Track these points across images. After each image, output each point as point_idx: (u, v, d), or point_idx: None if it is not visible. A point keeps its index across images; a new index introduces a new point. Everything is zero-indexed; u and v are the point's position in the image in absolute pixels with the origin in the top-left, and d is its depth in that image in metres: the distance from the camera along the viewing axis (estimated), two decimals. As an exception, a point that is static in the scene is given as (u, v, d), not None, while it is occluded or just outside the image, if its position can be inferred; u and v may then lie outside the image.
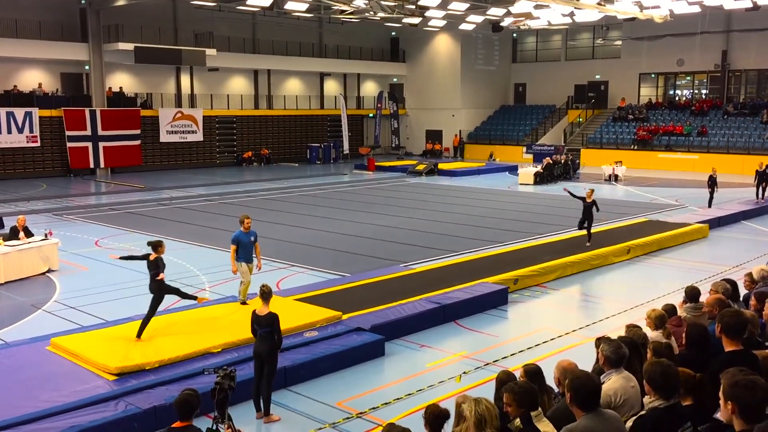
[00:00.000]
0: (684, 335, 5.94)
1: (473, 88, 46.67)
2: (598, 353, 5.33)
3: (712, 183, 23.18)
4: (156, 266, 9.83)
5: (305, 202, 25.80)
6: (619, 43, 44.11)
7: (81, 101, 33.95)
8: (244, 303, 11.28)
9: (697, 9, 33.19)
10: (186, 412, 5.34)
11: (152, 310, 9.84)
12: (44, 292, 13.53)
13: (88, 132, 33.46)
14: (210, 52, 36.04)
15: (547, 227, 19.94)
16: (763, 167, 24.50)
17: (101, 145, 33.86)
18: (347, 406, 8.42)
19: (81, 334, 10.06)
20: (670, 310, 7.35)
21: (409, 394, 8.65)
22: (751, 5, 32.05)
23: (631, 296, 13.18)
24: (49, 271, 14.87)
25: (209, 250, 17.25)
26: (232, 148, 40.67)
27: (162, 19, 36.18)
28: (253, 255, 11.49)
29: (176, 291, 10.25)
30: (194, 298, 10.64)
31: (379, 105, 45.38)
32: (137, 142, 35.41)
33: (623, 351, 5.13)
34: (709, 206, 22.83)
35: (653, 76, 43.96)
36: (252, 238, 11.39)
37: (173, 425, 5.40)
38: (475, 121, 47.51)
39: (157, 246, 9.95)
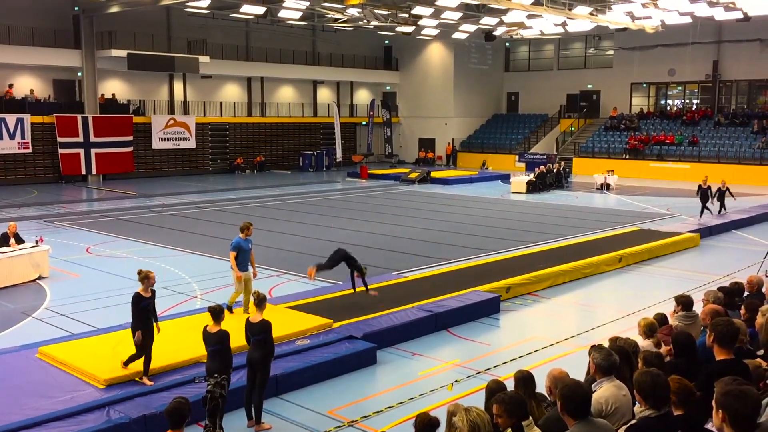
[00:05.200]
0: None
1: (466, 97, 46.82)
2: (589, 361, 5.33)
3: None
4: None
5: (298, 209, 25.77)
6: (611, 52, 44.38)
7: (73, 108, 33.88)
8: (229, 309, 10.99)
9: (688, 20, 33.44)
10: (177, 421, 5.31)
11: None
12: (34, 299, 13.43)
13: (80, 138, 33.38)
14: (203, 59, 36.07)
15: (539, 236, 19.97)
16: None
17: (93, 151, 33.78)
18: (339, 414, 8.39)
19: (71, 342, 9.99)
20: (662, 318, 7.37)
21: (401, 403, 8.63)
22: (741, 16, 32.32)
23: (622, 305, 13.21)
24: (39, 278, 14.77)
25: (201, 257, 17.20)
26: (225, 156, 40.63)
27: (155, 26, 36.18)
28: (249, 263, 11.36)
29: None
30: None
31: (371, 113, 45.47)
32: (129, 149, 35.34)
33: (614, 359, 5.14)
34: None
35: (645, 85, 44.21)
36: (250, 246, 11.31)
37: (164, 434, 5.37)
38: (467, 130, 47.64)
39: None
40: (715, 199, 23.08)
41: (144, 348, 8.53)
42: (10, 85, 32.68)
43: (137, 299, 8.61)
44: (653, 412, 4.29)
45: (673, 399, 4.45)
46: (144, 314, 8.59)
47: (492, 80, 48.79)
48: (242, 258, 11.14)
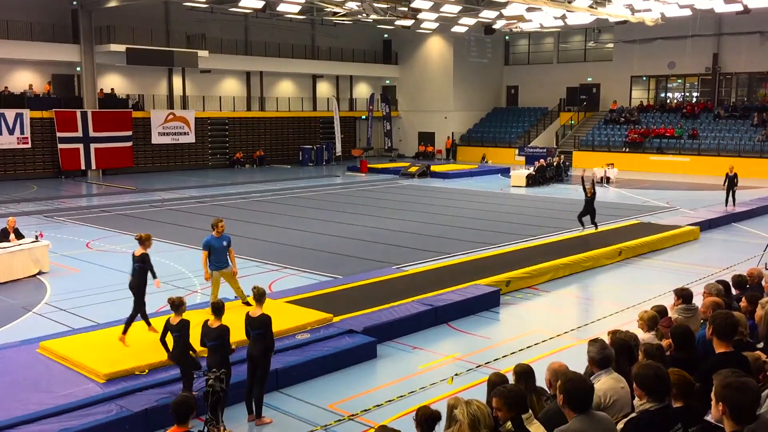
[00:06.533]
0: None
1: (466, 91, 46.75)
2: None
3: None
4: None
5: (297, 204, 25.76)
6: (610, 45, 44.27)
7: (72, 103, 33.83)
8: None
9: (688, 12, 33.33)
10: (184, 416, 5.26)
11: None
12: (34, 294, 13.45)
13: (80, 133, 33.34)
14: (202, 53, 35.99)
15: (539, 229, 19.97)
16: None
17: (92, 146, 33.75)
18: (339, 408, 8.41)
19: (71, 337, 9.99)
20: (662, 310, 7.36)
21: (401, 396, 8.65)
22: (741, 9, 32.22)
23: (622, 298, 13.22)
24: (39, 273, 14.79)
25: (201, 252, 17.15)
26: (225, 150, 40.60)
27: (154, 21, 36.10)
28: (228, 260, 11.06)
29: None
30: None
31: (371, 107, 45.36)
32: (129, 144, 35.31)
33: (608, 352, 5.14)
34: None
35: (645, 78, 44.14)
36: (225, 243, 11.04)
37: (169, 431, 5.33)
38: (467, 123, 47.58)
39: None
40: (726, 188, 23.28)
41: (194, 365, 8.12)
42: (49, 82, 33.27)
43: (187, 325, 7.96)
44: (653, 405, 4.29)
45: (672, 391, 4.46)
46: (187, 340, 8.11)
47: (491, 74, 48.71)
48: (216, 256, 10.89)
